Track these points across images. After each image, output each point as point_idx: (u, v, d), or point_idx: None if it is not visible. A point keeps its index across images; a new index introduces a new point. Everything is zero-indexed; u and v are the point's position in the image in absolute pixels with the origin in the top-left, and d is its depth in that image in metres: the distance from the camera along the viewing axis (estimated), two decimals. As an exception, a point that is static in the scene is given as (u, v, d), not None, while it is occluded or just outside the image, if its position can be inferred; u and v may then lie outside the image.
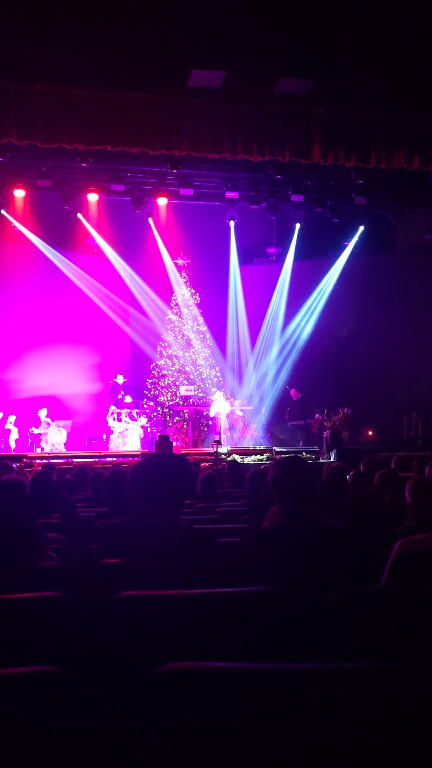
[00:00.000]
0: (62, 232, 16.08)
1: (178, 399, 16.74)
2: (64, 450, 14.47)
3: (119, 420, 15.36)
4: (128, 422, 15.38)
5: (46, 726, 1.19)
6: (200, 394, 16.75)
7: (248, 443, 15.87)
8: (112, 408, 15.54)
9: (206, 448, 14.50)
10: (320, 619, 1.89)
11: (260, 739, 1.11)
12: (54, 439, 14.66)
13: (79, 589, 2.55)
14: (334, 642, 1.88)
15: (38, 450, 14.29)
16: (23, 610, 1.96)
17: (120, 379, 16.00)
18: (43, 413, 14.81)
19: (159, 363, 17.09)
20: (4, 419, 14.57)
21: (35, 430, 14.65)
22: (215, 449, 13.39)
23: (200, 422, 16.50)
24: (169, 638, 1.81)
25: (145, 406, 16.25)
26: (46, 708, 1.20)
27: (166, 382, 16.99)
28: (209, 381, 17.10)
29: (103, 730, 1.27)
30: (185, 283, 17.22)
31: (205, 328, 17.29)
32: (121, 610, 1.85)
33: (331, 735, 1.13)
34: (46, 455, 13.10)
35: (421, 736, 1.15)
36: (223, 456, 12.98)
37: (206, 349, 17.29)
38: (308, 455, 13.52)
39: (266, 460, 12.89)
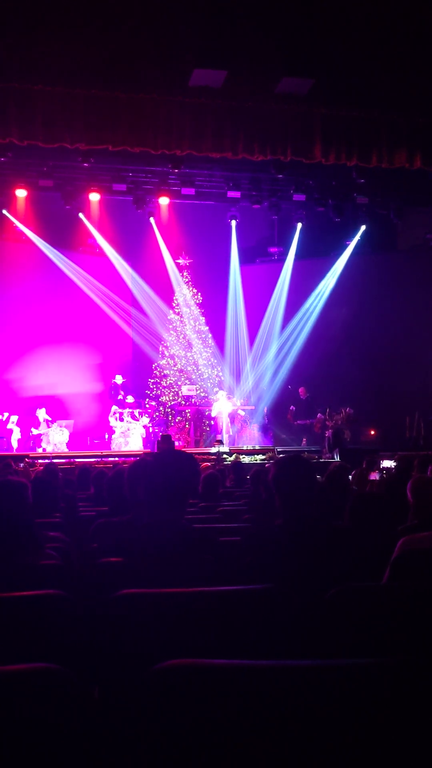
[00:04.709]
0: (64, 232, 16.08)
1: (180, 399, 16.74)
2: (66, 450, 14.47)
3: (121, 420, 15.36)
4: (130, 422, 15.38)
5: (45, 723, 1.19)
6: (202, 394, 16.75)
7: (246, 442, 15.85)
8: (114, 408, 15.53)
9: (208, 448, 14.48)
10: (320, 617, 1.88)
11: (258, 734, 1.10)
12: (56, 439, 14.66)
13: (80, 588, 2.55)
14: (335, 640, 1.87)
15: (40, 450, 14.29)
16: (23, 608, 1.96)
17: (119, 380, 15.98)
18: (41, 413, 14.80)
19: (160, 363, 17.08)
20: (7, 419, 14.57)
21: (35, 431, 14.65)
22: (217, 449, 13.39)
23: (202, 422, 16.48)
24: (169, 636, 1.81)
25: (147, 405, 16.24)
26: (45, 705, 1.20)
27: (167, 382, 16.99)
28: (210, 381, 17.09)
29: (102, 726, 1.27)
30: (186, 282, 17.20)
31: (206, 327, 17.27)
32: (121, 609, 1.84)
33: (330, 731, 1.13)
34: (49, 455, 13.10)
35: (420, 733, 1.15)
36: (225, 456, 12.97)
37: (207, 349, 17.28)
38: (310, 455, 13.50)
39: (268, 460, 12.87)
